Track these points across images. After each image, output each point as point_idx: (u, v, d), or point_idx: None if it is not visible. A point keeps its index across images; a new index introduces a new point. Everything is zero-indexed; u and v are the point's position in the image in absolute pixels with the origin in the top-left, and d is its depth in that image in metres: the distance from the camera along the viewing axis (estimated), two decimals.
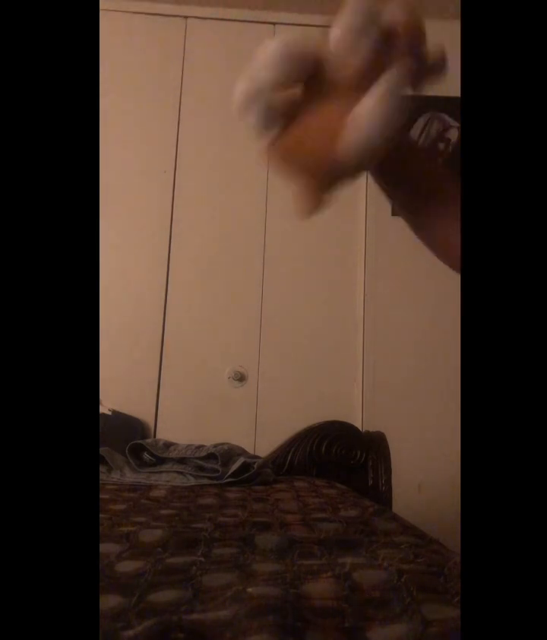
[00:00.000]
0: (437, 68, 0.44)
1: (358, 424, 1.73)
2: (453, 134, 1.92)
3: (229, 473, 1.28)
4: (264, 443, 1.71)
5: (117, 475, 1.32)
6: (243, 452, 1.46)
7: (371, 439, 1.64)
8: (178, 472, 1.32)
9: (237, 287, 1.84)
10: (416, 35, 0.41)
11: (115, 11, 1.91)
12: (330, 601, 0.44)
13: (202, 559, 0.57)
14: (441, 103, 1.91)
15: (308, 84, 0.44)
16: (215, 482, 1.26)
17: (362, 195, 1.86)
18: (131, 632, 0.38)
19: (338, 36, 0.41)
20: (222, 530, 0.72)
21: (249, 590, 0.46)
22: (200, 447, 1.41)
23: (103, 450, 1.40)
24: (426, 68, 0.43)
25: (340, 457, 1.61)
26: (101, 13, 1.81)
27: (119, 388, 1.74)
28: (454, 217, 0.47)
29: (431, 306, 1.80)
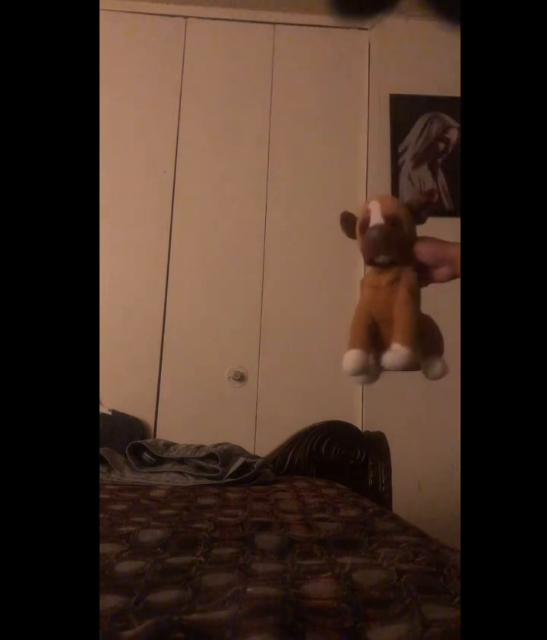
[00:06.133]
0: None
1: (358, 424, 1.73)
2: (453, 134, 1.92)
3: (229, 473, 1.28)
4: (264, 443, 1.71)
5: (117, 475, 1.32)
6: (243, 452, 1.46)
7: (371, 439, 1.64)
8: (178, 472, 1.32)
9: (237, 287, 1.84)
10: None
11: (115, 10, 1.91)
12: (330, 601, 0.44)
13: (202, 559, 0.57)
14: (441, 103, 1.91)
15: None
16: (215, 482, 1.26)
17: (363, 196, 1.86)
18: (130, 632, 0.38)
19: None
20: (222, 530, 0.72)
21: (249, 590, 0.46)
22: (200, 447, 1.41)
23: (103, 450, 1.40)
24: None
25: (340, 457, 1.61)
26: (101, 13, 1.81)
27: (119, 388, 1.74)
28: None
29: (431, 307, 1.80)
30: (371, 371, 0.55)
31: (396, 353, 0.52)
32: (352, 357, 0.55)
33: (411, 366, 0.54)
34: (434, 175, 1.90)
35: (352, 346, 0.56)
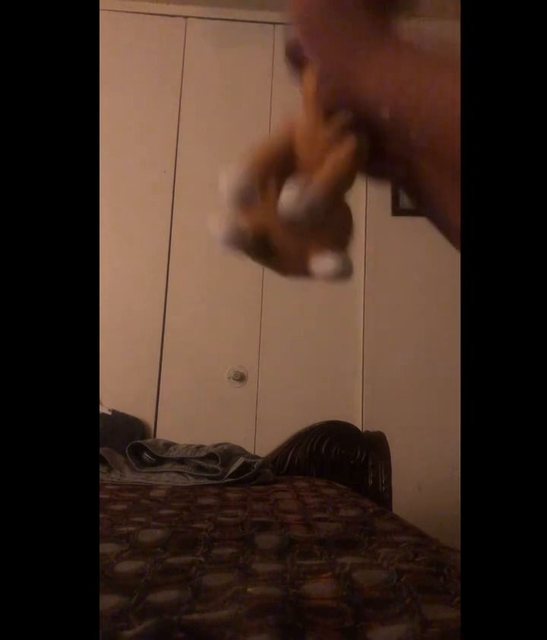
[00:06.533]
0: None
1: (358, 424, 1.73)
2: None
3: (229, 473, 1.28)
4: (264, 443, 1.71)
5: (117, 475, 1.32)
6: (243, 452, 1.46)
7: (371, 439, 1.64)
8: (177, 472, 1.32)
9: (237, 287, 1.84)
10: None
11: (115, 10, 1.91)
12: (330, 601, 0.44)
13: (202, 559, 0.57)
14: None
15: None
16: (215, 482, 1.26)
17: (362, 196, 1.86)
18: (130, 632, 0.38)
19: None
20: (222, 530, 0.72)
21: (249, 590, 0.46)
22: (200, 447, 1.41)
23: (103, 450, 1.40)
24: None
25: (340, 457, 1.61)
26: (101, 13, 1.81)
27: (119, 388, 1.74)
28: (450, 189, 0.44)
29: (431, 306, 1.80)
30: (253, 194, 0.40)
31: (309, 188, 0.36)
32: (236, 172, 0.38)
33: (301, 215, 0.38)
34: None
35: (243, 162, 0.39)
